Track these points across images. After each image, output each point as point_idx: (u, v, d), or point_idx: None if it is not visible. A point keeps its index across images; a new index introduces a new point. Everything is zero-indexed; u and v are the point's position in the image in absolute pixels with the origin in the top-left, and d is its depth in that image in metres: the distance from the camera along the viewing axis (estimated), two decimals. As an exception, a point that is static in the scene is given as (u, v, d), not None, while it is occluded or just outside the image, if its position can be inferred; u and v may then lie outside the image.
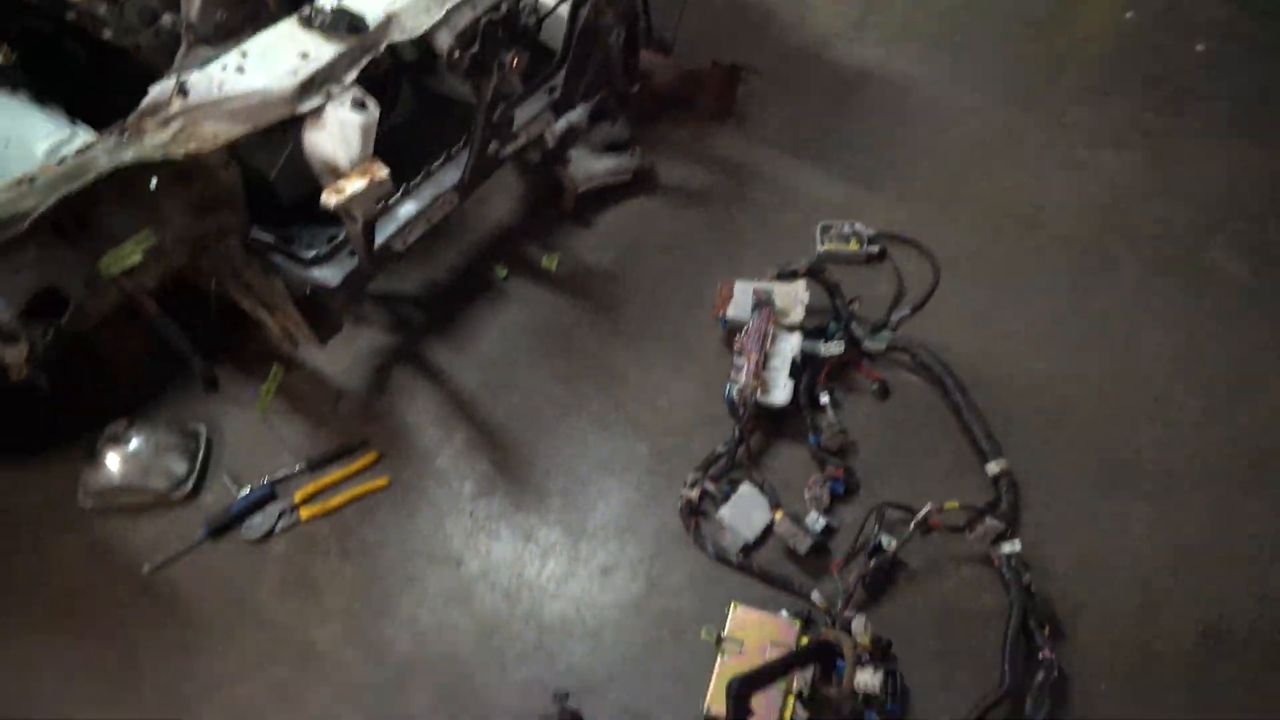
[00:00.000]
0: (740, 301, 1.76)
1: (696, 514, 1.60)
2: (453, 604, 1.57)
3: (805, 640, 1.41)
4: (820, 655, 1.34)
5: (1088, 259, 1.97)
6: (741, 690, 1.23)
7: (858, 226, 1.98)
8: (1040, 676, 1.36)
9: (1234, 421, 1.70)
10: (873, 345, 1.75)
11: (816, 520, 1.54)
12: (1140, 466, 1.64)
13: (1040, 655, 1.39)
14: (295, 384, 1.89)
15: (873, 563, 1.48)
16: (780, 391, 1.64)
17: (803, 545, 1.50)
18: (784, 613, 1.46)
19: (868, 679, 1.24)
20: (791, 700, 1.37)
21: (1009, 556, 1.47)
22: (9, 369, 1.40)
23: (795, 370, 1.68)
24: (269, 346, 1.88)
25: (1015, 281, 1.94)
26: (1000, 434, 1.65)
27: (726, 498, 1.59)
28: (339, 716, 1.48)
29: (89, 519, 1.76)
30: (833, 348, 1.71)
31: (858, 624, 1.33)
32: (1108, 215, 2.06)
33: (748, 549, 1.55)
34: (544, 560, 1.61)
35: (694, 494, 1.59)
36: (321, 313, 1.72)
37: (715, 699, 1.38)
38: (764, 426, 1.70)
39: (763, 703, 1.35)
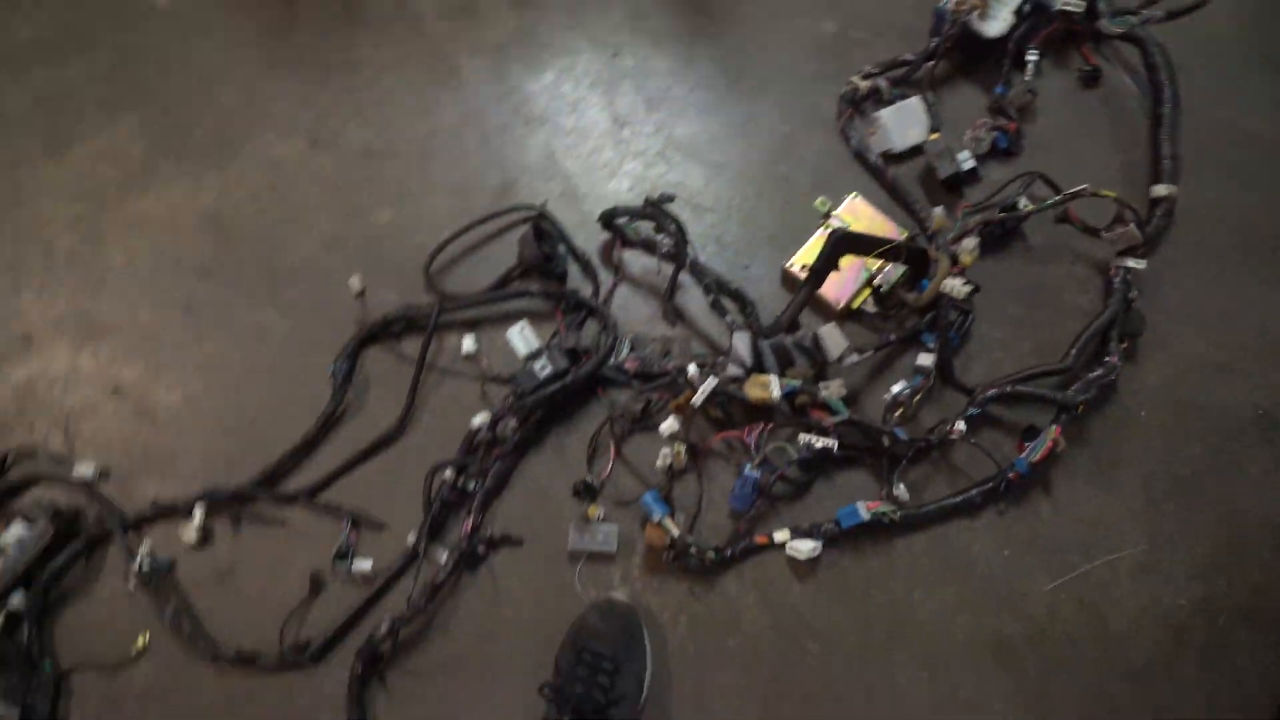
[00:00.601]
0: (998, -81, 1.58)
1: (856, 104, 1.56)
2: (596, 87, 1.60)
3: (905, 250, 1.43)
4: (916, 261, 1.36)
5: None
6: (840, 243, 1.27)
7: (1158, -94, 1.72)
8: (1098, 372, 1.40)
9: None
10: (1109, 26, 1.60)
11: (967, 158, 1.50)
12: (1307, 259, 1.55)
13: (1106, 359, 1.42)
14: None
15: (1001, 215, 1.46)
16: (997, 24, 1.53)
17: (945, 171, 1.48)
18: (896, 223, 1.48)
19: (957, 285, 1.27)
20: (868, 292, 1.43)
21: (1127, 269, 1.45)
22: None
23: (1020, 13, 1.55)
24: None
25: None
26: (1185, 169, 1.56)
27: (892, 102, 1.54)
28: (462, 136, 1.56)
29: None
30: (1071, 4, 1.55)
31: (970, 242, 1.34)
32: None
33: (889, 156, 1.53)
34: (694, 88, 1.61)
35: (865, 85, 1.54)
36: None
37: (801, 259, 1.44)
38: (957, 58, 1.60)
39: (844, 279, 1.41)
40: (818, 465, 1.36)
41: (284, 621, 1.28)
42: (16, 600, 1.29)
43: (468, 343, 1.40)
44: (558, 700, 1.16)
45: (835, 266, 1.32)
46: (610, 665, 1.19)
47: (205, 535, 1.34)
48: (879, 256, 1.33)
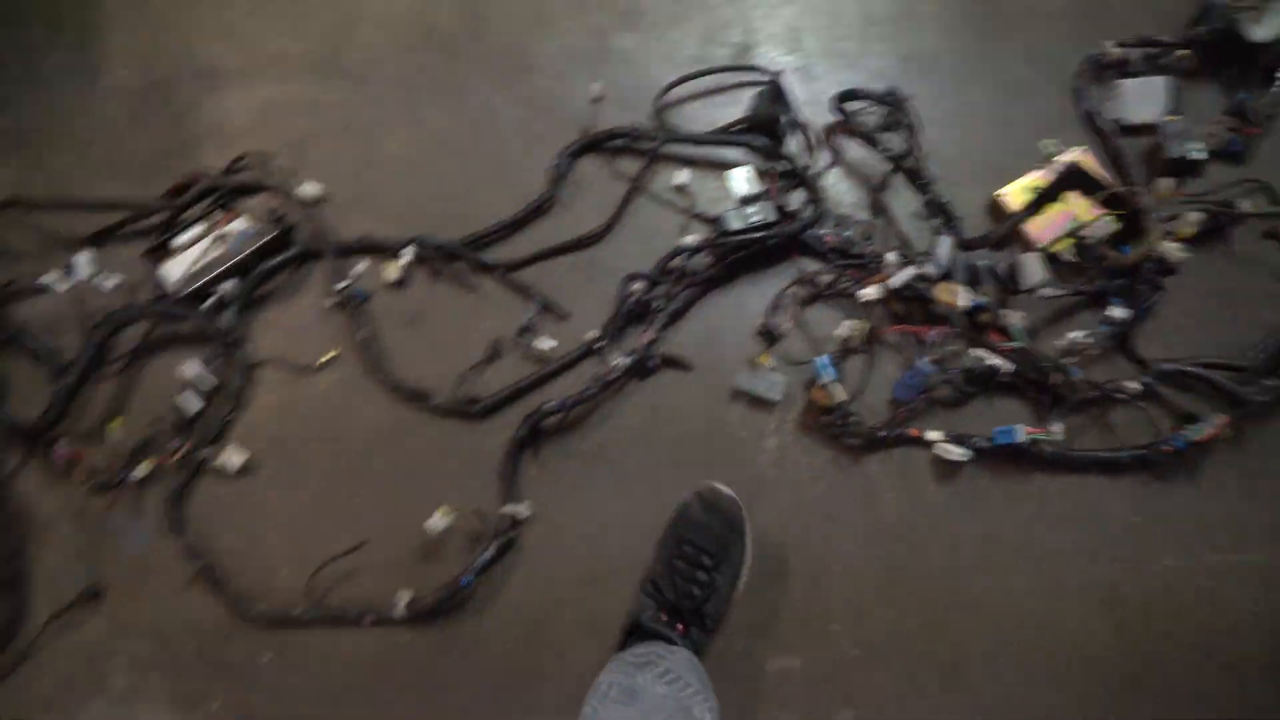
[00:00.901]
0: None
1: (1101, 69, 1.58)
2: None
3: (1117, 212, 1.45)
4: (1131, 221, 1.39)
5: None
6: (1073, 174, 1.30)
7: None
8: (1276, 383, 1.40)
9: None
10: (1367, 65, 1.60)
11: (1199, 149, 1.51)
12: None
13: (1286, 369, 1.42)
14: None
15: (1216, 209, 1.47)
16: (1265, 30, 1.54)
17: (1174, 152, 1.49)
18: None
19: (1173, 249, 1.29)
20: (1071, 241, 1.46)
21: (1328, 297, 1.46)
22: None
23: (1294, 26, 1.56)
24: None
25: None
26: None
27: (1136, 75, 1.56)
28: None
29: None
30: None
31: (1194, 215, 1.36)
32: None
33: (1120, 125, 1.55)
34: (949, 7, 1.65)
35: (1116, 52, 1.57)
36: None
37: (1014, 195, 1.47)
38: (1210, 52, 1.61)
39: (1051, 222, 1.44)
40: (982, 383, 1.39)
41: (460, 375, 1.35)
42: (229, 286, 1.37)
43: (683, 175, 1.45)
44: (657, 598, 1.17)
45: (1056, 197, 1.35)
46: (710, 561, 1.19)
47: (404, 278, 1.41)
48: (1102, 203, 1.36)
